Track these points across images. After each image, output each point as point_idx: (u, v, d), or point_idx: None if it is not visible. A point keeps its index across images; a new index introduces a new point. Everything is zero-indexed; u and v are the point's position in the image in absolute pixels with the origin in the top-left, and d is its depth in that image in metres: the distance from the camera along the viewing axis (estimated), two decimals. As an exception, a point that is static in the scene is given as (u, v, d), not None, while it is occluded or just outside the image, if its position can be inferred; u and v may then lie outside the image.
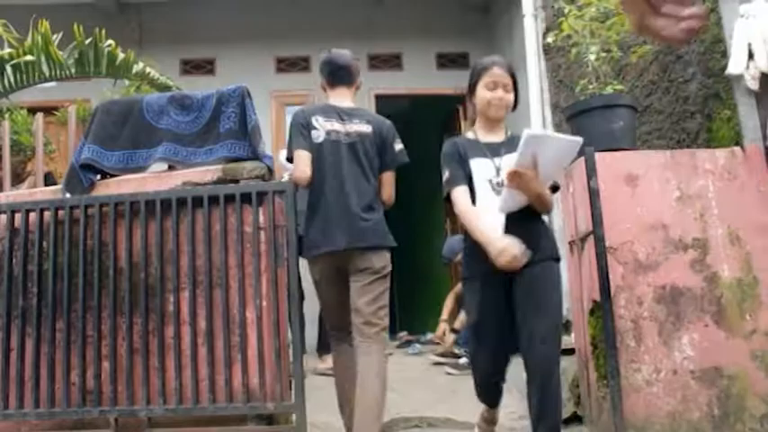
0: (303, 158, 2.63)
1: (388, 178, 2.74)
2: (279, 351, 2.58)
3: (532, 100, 4.83)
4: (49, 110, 4.26)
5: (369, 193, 2.64)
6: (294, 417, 2.57)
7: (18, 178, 3.78)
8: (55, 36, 3.78)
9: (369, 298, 2.57)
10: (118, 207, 2.73)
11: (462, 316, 4.37)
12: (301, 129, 2.67)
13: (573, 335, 3.27)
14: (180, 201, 2.69)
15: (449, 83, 5.94)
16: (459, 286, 4.44)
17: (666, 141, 3.42)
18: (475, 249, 2.31)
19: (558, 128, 4.51)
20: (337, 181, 2.61)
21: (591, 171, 2.68)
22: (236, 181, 2.77)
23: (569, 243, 3.11)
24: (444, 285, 7.16)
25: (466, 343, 4.14)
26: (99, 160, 2.92)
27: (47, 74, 3.84)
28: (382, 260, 2.61)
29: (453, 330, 4.51)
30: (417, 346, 5.14)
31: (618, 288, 2.67)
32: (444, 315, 4.65)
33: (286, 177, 2.96)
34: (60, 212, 2.74)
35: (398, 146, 2.76)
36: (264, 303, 2.62)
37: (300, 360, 2.59)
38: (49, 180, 3.68)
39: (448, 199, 2.42)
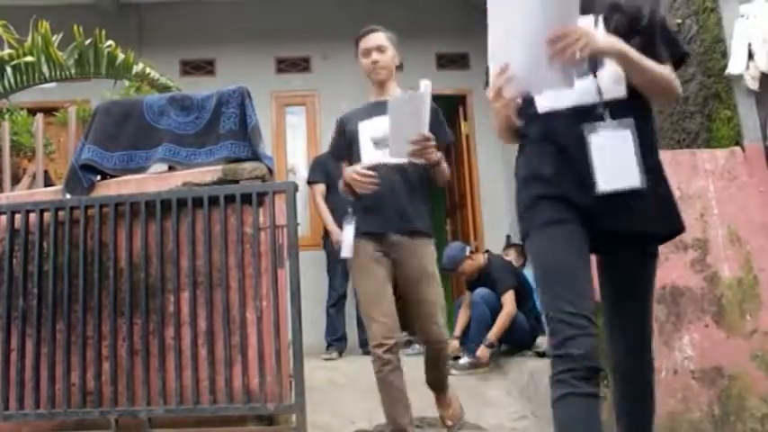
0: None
1: None
2: (279, 352, 2.58)
3: (532, 100, 4.81)
4: (49, 110, 4.25)
5: None
6: (294, 417, 2.57)
7: (14, 178, 3.77)
8: (55, 37, 3.77)
9: None
10: (118, 208, 2.73)
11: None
12: None
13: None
14: (180, 201, 2.69)
15: (449, 83, 5.93)
16: (467, 296, 4.33)
17: (666, 141, 3.41)
18: None
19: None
20: None
21: (591, 171, 2.67)
22: (237, 181, 2.78)
23: (569, 243, 3.11)
24: (445, 286, 7.13)
25: (472, 341, 4.05)
26: (99, 161, 2.92)
27: (47, 75, 3.84)
28: None
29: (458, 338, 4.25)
30: (417, 346, 5.12)
31: (618, 288, 2.66)
32: (458, 332, 4.28)
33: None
34: (60, 213, 2.74)
35: None
36: (264, 304, 2.62)
37: (301, 360, 2.59)
38: (45, 180, 3.68)
39: None
